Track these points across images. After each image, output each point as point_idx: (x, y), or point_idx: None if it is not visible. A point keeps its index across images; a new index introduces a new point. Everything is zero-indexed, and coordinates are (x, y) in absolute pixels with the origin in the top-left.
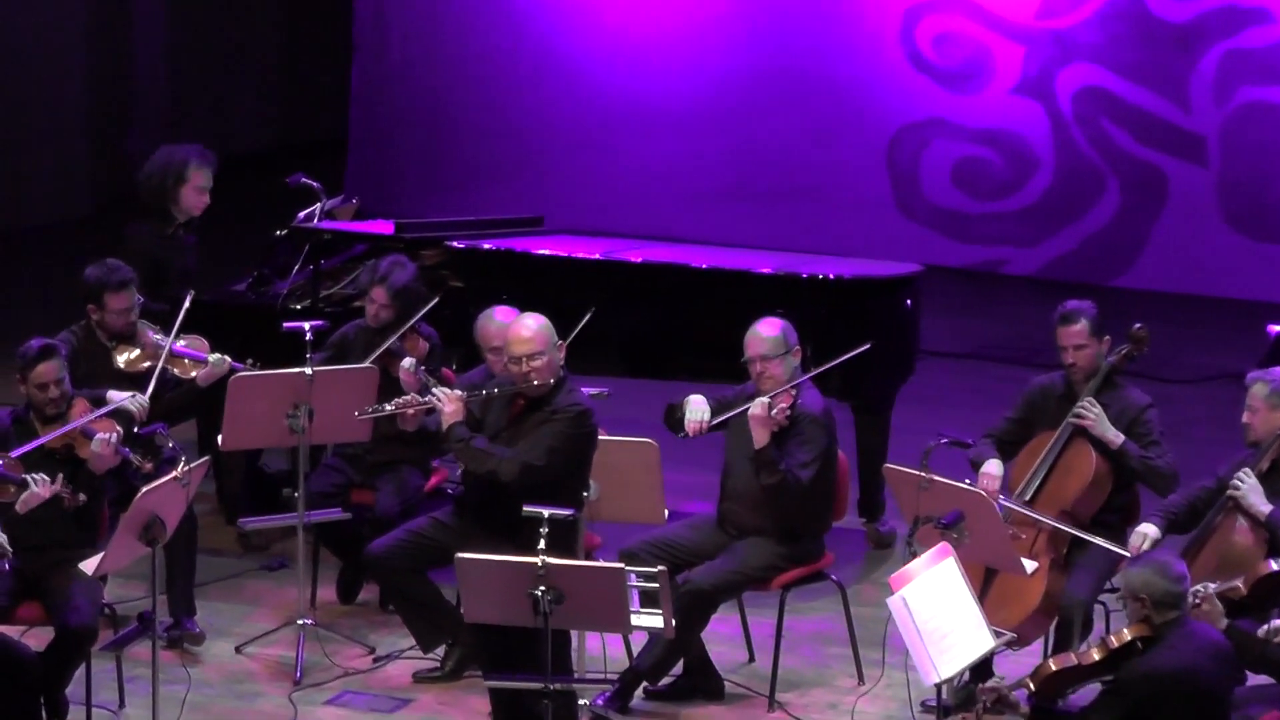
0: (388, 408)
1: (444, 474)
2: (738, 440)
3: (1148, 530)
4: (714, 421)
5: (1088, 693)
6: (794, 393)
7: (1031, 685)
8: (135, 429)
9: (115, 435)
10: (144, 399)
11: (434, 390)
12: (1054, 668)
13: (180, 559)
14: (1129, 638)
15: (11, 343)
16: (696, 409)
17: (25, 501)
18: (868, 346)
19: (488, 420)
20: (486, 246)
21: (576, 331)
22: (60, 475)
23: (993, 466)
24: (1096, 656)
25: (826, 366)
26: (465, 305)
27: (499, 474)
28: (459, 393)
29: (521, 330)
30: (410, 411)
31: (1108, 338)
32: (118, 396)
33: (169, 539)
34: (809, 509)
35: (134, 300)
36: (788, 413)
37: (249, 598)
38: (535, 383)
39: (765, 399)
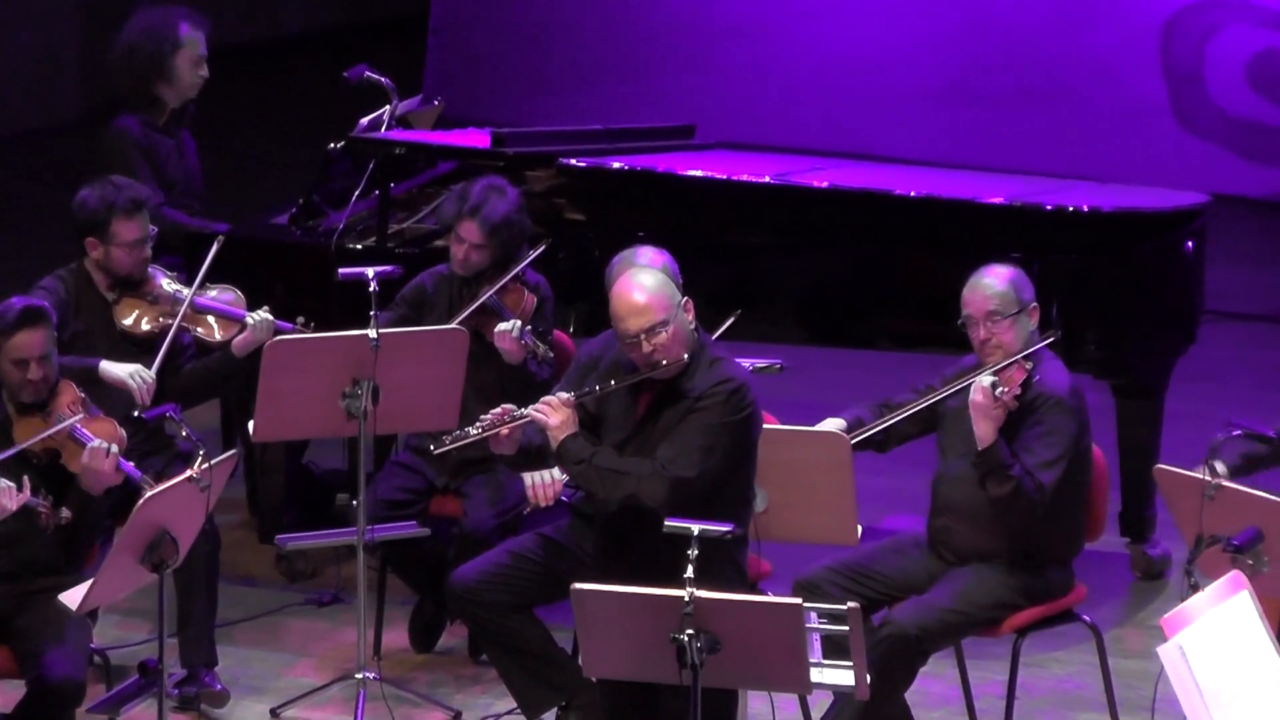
0: (472, 433)
1: None
2: (953, 436)
3: None
4: (899, 416)
5: None
6: (1028, 366)
7: None
8: (137, 413)
9: (116, 445)
10: (149, 374)
11: (527, 405)
12: None
13: (197, 589)
14: None
15: None
16: None
17: None
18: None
19: (609, 415)
20: (616, 165)
21: (721, 331)
22: (26, 480)
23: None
24: None
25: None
26: (587, 246)
27: (639, 499)
28: (565, 396)
29: (633, 296)
30: (504, 432)
31: None
32: (113, 370)
33: (182, 562)
34: (1052, 526)
35: (148, 230)
36: (1018, 393)
37: (291, 643)
38: (665, 363)
39: (988, 376)
